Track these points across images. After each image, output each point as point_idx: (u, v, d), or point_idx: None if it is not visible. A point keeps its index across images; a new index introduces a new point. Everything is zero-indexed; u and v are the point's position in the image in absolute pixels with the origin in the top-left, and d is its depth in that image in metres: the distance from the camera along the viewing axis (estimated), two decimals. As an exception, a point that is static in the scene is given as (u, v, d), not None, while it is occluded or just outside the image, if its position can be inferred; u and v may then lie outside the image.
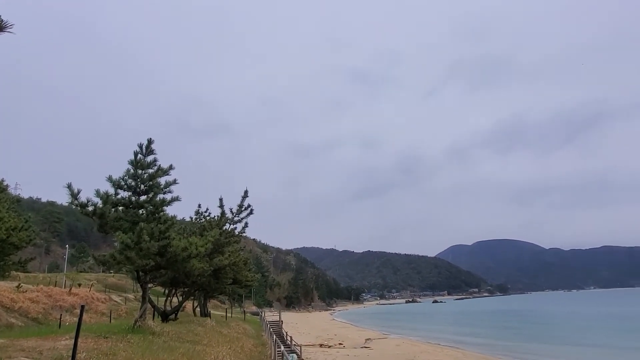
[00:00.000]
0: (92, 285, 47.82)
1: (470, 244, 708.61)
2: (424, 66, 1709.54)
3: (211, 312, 38.33)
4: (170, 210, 17.64)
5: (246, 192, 24.55)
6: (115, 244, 15.42)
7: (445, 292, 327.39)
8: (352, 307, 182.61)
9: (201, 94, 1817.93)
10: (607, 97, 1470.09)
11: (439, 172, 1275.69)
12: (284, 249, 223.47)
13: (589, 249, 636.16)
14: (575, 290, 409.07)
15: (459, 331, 61.08)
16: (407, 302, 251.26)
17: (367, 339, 45.97)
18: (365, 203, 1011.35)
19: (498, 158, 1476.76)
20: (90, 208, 15.18)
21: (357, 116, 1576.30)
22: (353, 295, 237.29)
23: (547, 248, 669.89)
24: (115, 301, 40.69)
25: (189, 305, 39.14)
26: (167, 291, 31.05)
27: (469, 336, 52.24)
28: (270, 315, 63.87)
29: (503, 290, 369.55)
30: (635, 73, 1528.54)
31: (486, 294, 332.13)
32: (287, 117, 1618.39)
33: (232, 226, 25.60)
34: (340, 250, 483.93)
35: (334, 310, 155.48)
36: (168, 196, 16.48)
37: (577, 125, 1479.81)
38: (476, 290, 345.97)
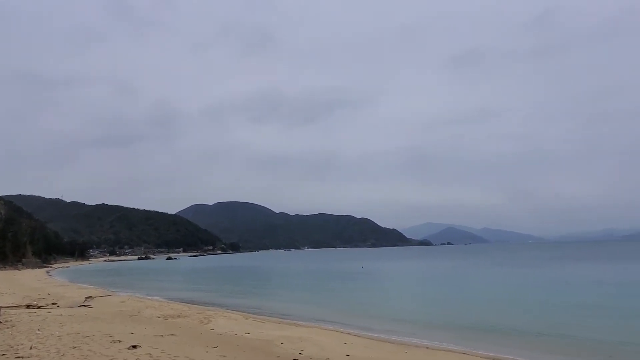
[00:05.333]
0: None
1: (211, 204, 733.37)
2: (198, 18, 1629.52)
3: None
4: None
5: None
6: None
7: (181, 249, 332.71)
8: (75, 265, 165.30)
9: None
10: (345, 87, 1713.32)
11: (193, 130, 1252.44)
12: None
13: (309, 215, 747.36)
14: (293, 250, 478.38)
15: (187, 286, 63.98)
16: (139, 258, 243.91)
17: (88, 297, 43.24)
18: (106, 151, 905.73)
19: (251, 126, 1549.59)
20: None
21: (112, 55, 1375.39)
22: (78, 251, 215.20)
23: (277, 212, 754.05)
24: None
25: None
26: None
27: (196, 289, 55.53)
28: (-40, 273, 52.46)
29: (235, 248, 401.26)
30: (368, 70, 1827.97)
31: (219, 252, 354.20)
32: (18, 38, 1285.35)
33: None
34: (68, 201, 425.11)
35: (51, 267, 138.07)
36: None
37: (321, 107, 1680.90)
38: (211, 248, 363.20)
